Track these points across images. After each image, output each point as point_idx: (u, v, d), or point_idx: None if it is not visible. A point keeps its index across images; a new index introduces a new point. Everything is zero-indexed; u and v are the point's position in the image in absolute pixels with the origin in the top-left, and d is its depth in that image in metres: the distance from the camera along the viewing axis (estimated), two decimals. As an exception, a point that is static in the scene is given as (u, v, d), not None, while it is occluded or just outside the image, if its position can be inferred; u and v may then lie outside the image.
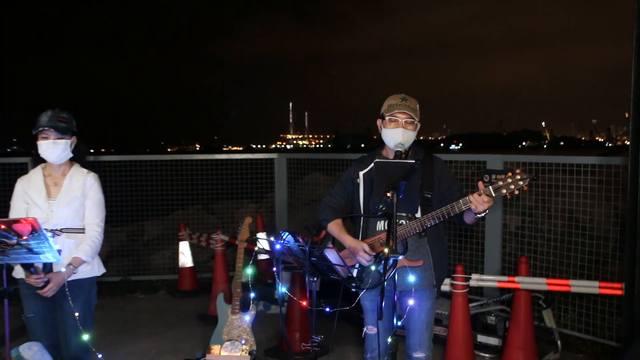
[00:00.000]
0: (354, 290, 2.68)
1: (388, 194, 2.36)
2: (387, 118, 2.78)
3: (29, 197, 3.05)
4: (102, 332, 4.69)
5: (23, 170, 5.63)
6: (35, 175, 3.10)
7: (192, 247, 6.29)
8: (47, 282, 2.86)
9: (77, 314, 2.96)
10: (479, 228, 5.10)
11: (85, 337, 3.01)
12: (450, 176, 2.86)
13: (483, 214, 2.54)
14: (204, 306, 5.56)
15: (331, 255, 2.34)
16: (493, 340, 4.34)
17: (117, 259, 6.79)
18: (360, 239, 2.82)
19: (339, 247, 2.83)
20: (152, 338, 4.87)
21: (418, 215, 2.72)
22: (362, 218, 2.86)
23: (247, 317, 4.01)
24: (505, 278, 4.11)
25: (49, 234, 2.67)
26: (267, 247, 5.76)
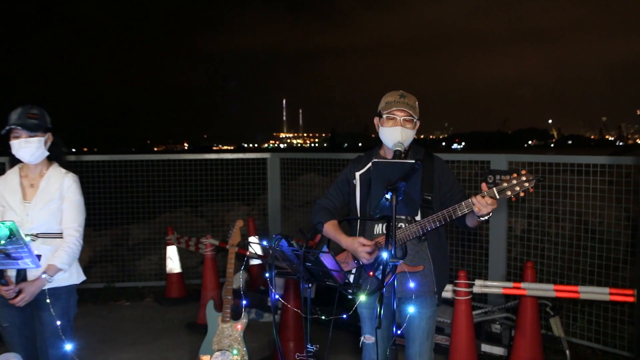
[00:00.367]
0: (350, 297, 2.68)
1: (386, 196, 2.36)
2: (384, 116, 2.77)
3: (4, 199, 3.02)
4: (83, 342, 4.65)
5: (0, 170, 5.61)
6: (11, 176, 3.08)
7: (180, 252, 6.27)
8: (18, 292, 2.84)
9: (59, 323, 2.95)
10: (482, 231, 5.11)
11: (68, 347, 2.99)
12: (451, 177, 2.86)
13: (487, 217, 2.54)
14: (193, 314, 5.55)
15: (327, 260, 2.34)
16: (498, 350, 4.35)
17: (100, 264, 6.78)
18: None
19: (335, 250, 2.83)
20: (137, 348, 4.85)
21: (418, 218, 2.72)
22: (358, 221, 2.86)
23: (239, 326, 4.01)
24: (511, 284, 4.11)
25: (28, 239, 2.65)
26: (259, 252, 5.77)
